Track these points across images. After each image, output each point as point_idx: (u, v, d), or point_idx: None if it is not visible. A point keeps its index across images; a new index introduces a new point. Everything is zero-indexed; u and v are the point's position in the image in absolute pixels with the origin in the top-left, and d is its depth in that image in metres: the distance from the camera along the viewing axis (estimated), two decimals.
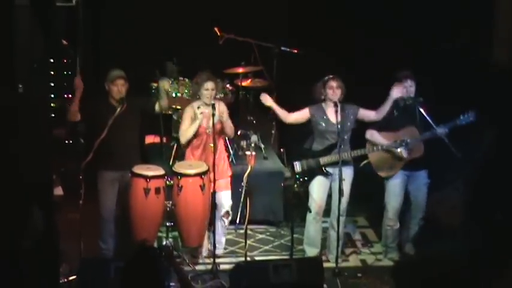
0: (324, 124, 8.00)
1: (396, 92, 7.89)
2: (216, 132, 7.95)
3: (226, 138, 8.65)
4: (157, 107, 7.98)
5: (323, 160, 7.97)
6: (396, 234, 8.31)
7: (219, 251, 8.23)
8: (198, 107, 7.96)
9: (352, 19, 10.09)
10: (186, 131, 8.03)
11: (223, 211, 8.18)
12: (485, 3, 8.94)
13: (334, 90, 7.95)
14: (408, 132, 8.00)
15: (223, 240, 8.36)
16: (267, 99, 8.20)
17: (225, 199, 8.19)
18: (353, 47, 9.92)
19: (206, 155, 8.04)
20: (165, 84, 8.12)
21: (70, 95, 9.54)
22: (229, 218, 8.28)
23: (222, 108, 8.13)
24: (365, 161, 8.17)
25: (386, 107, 7.94)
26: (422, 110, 7.85)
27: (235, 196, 8.33)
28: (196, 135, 8.04)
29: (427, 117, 7.82)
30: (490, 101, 8.12)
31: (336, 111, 7.84)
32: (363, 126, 8.12)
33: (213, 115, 7.78)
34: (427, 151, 8.03)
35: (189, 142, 8.09)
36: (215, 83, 8.06)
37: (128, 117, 7.80)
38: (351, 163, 8.07)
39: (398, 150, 7.99)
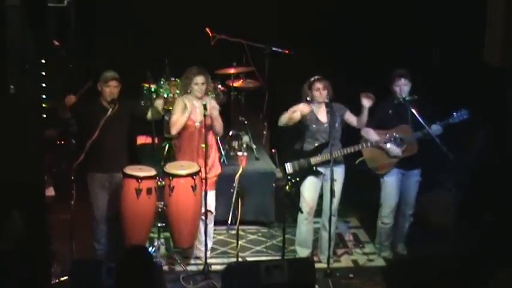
0: (314, 124, 8.01)
1: (366, 102, 7.82)
2: (206, 127, 7.86)
3: (218, 138, 8.58)
4: (149, 115, 7.97)
5: (314, 160, 7.97)
6: (390, 233, 8.32)
7: (202, 253, 8.03)
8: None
9: (344, 19, 10.10)
10: (177, 121, 7.95)
11: (202, 209, 8.05)
12: (479, 3, 8.96)
13: (320, 91, 7.95)
14: (401, 130, 8.00)
15: (208, 241, 8.05)
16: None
17: (209, 198, 8.02)
18: (345, 47, 9.92)
19: (198, 155, 7.99)
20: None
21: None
22: (212, 216, 8.17)
23: (212, 104, 8.04)
24: (360, 158, 8.15)
25: (364, 118, 7.90)
26: (414, 111, 7.84)
27: (226, 197, 8.31)
28: (185, 127, 7.99)
29: (419, 118, 7.80)
30: (482, 102, 8.15)
31: (327, 112, 7.84)
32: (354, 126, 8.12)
33: (205, 116, 7.75)
34: (421, 151, 8.03)
35: (181, 139, 8.05)
36: (205, 77, 8.01)
37: (119, 118, 7.78)
38: (342, 163, 8.08)
39: (388, 146, 7.99)
